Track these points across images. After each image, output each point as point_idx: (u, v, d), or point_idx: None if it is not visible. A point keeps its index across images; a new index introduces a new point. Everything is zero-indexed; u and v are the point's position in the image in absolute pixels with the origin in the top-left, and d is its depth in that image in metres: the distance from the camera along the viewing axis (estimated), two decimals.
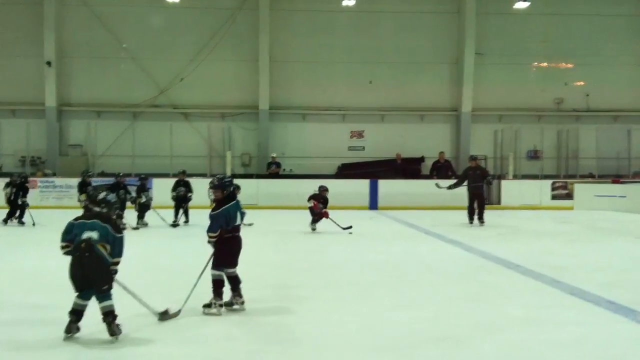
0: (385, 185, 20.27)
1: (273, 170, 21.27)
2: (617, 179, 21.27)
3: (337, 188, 19.97)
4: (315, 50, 23.05)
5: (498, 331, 5.16)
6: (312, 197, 13.06)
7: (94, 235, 4.82)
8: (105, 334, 4.80)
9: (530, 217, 16.96)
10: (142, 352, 4.60)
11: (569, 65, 23.71)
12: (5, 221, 14.04)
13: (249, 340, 4.91)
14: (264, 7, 22.46)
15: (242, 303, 5.80)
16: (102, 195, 5.17)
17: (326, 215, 12.82)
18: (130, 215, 13.48)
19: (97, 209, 5.05)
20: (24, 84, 22.43)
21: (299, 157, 22.71)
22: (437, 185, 16.02)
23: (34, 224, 13.85)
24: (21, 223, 14.12)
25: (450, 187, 15.37)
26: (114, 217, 5.13)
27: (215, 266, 5.75)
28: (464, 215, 14.79)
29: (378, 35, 23.18)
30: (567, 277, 7.52)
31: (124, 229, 12.72)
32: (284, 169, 22.17)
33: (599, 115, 23.55)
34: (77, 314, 4.82)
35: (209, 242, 5.77)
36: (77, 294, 4.86)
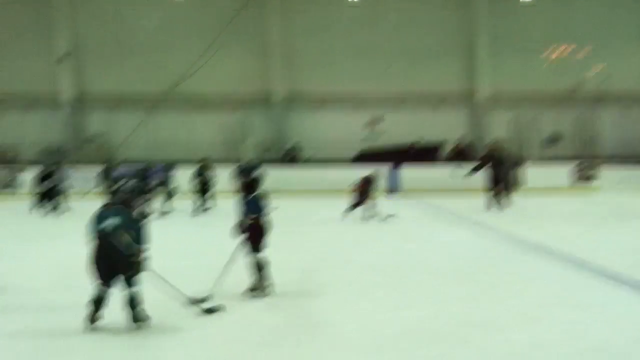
0: (404, 172, 20.15)
1: (291, 158, 21.32)
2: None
3: (355, 175, 20.03)
4: (329, 40, 22.98)
5: (528, 315, 5.12)
6: (365, 178, 12.72)
7: (115, 222, 4.77)
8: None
9: (554, 201, 16.74)
10: (163, 339, 4.60)
11: (585, 50, 23.37)
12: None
13: (269, 323, 4.88)
14: None
15: (269, 286, 5.85)
16: (122, 182, 5.15)
17: (370, 200, 12.36)
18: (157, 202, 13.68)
19: (118, 196, 5.03)
20: (40, 78, 22.55)
21: (315, 146, 22.65)
22: (454, 171, 15.77)
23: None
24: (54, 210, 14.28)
25: (468, 174, 15.03)
26: (139, 204, 5.05)
27: (258, 250, 5.80)
28: (483, 200, 14.64)
29: (391, 24, 23.07)
30: (596, 259, 7.43)
31: (148, 215, 12.93)
32: (302, 157, 22.17)
33: (617, 98, 23.22)
34: (99, 302, 4.76)
35: (242, 225, 5.75)
36: (99, 282, 4.79)
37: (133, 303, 4.77)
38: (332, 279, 7.19)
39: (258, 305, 5.63)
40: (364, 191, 12.39)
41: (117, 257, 4.74)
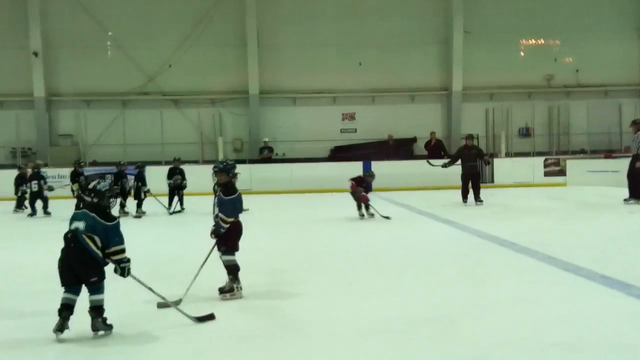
0: (378, 167, 20.21)
1: (265, 155, 21.25)
2: (609, 154, 21.34)
3: (330, 171, 20.18)
4: (304, 33, 22.94)
5: (492, 310, 5.17)
6: (353, 179, 12.38)
7: (80, 225, 4.63)
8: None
9: (523, 195, 16.99)
10: (135, 342, 4.60)
11: (558, 42, 23.69)
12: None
13: (239, 327, 4.90)
14: None
15: (240, 289, 5.80)
16: (92, 184, 4.93)
17: (365, 199, 12.06)
18: (130, 204, 13.87)
19: (88, 198, 4.84)
20: (11, 75, 22.29)
21: (291, 141, 22.69)
22: (429, 163, 16.00)
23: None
24: (47, 213, 14.38)
25: (444, 166, 15.14)
26: (108, 204, 4.87)
27: (227, 252, 5.75)
28: (457, 194, 14.80)
29: (366, 17, 23.07)
30: (560, 253, 7.54)
31: (125, 215, 12.94)
32: (277, 154, 22.13)
33: (589, 90, 23.59)
34: (67, 309, 4.58)
35: (218, 228, 5.70)
36: (64, 288, 4.64)
37: (94, 311, 4.65)
38: (323, 263, 7.31)
39: (249, 293, 5.65)
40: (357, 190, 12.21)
41: (76, 261, 4.60)
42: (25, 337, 4.78)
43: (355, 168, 20.11)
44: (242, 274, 5.83)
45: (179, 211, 14.23)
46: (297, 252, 8.54)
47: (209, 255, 5.81)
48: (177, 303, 5.40)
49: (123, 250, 4.78)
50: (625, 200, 13.47)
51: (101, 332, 4.66)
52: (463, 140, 22.54)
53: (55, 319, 4.60)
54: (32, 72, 21.99)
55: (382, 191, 19.17)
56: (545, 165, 20.54)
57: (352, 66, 23.06)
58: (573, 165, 20.12)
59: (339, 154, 22.31)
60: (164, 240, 10.47)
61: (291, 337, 4.64)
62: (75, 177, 14.40)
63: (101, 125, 22.39)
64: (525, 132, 23.19)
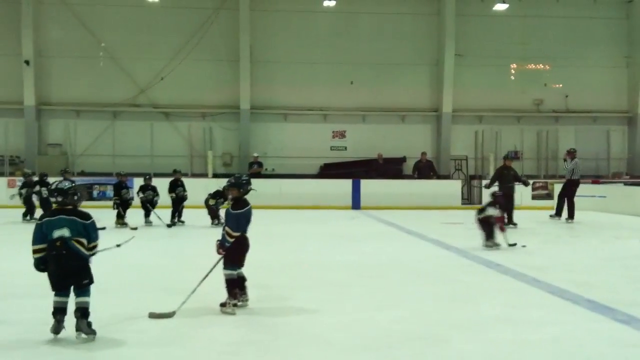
0: (368, 185, 20.31)
1: (255, 170, 21.17)
2: (596, 179, 21.51)
3: (320, 188, 20.20)
4: (296, 50, 23.04)
5: (476, 330, 5.18)
6: (490, 204, 10.34)
7: (65, 232, 4.73)
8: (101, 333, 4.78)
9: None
10: (117, 352, 4.56)
11: (548, 67, 23.94)
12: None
13: (227, 341, 4.88)
14: (244, 6, 22.40)
15: (247, 300, 5.88)
16: (55, 184, 5.03)
17: (501, 221, 10.32)
18: (131, 214, 13.91)
19: (52, 199, 4.95)
20: (1, 83, 22.23)
21: (281, 157, 22.69)
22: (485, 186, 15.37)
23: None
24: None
25: (486, 186, 14.60)
26: (73, 202, 4.92)
27: (228, 266, 5.76)
28: (445, 214, 14.82)
29: (358, 36, 23.22)
30: (546, 276, 7.57)
31: (123, 226, 12.92)
32: (266, 169, 22.12)
33: (578, 116, 23.80)
34: (61, 312, 4.73)
35: (223, 241, 5.71)
36: (55, 292, 4.77)
37: (80, 312, 4.73)
38: (312, 279, 7.37)
39: (223, 318, 5.61)
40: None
41: (69, 266, 4.73)
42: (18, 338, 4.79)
43: (344, 185, 20.26)
44: (221, 290, 5.79)
45: (180, 223, 14.29)
46: (287, 267, 8.52)
47: (211, 270, 5.81)
48: (170, 315, 5.41)
49: (97, 246, 4.94)
50: (551, 215, 15.63)
51: (84, 336, 4.71)
52: (452, 162, 22.88)
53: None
54: (23, 80, 21.89)
55: (370, 209, 19.22)
56: (534, 189, 20.62)
57: (343, 84, 23.17)
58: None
59: (329, 171, 22.33)
60: (169, 251, 10.62)
61: (278, 352, 4.62)
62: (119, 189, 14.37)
63: (91, 136, 22.30)
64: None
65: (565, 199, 15.27)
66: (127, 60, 22.55)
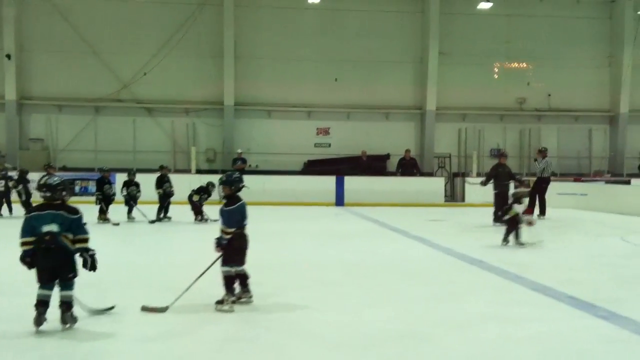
0: (351, 182, 20.33)
1: (238, 167, 21.08)
2: (578, 177, 21.71)
3: (303, 185, 20.19)
4: (281, 47, 22.98)
5: (461, 327, 5.20)
6: (515, 199, 10.39)
7: (54, 228, 4.83)
8: (92, 326, 4.83)
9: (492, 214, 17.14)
10: (104, 347, 4.54)
11: (531, 66, 24.10)
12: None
13: (215, 338, 4.87)
14: (229, 2, 22.30)
15: (251, 297, 5.90)
16: (43, 179, 5.07)
17: (530, 212, 10.64)
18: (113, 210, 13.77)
19: (40, 193, 5.01)
20: None
21: (264, 153, 22.62)
22: (468, 182, 15.84)
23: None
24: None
25: (482, 184, 14.65)
26: (61, 197, 5.00)
27: (225, 263, 5.76)
28: (426, 211, 14.87)
29: (343, 33, 23.21)
30: (529, 273, 7.63)
31: (105, 222, 12.87)
32: (250, 165, 22.05)
33: (560, 115, 23.99)
34: (45, 305, 4.81)
35: (220, 239, 5.72)
36: (41, 285, 4.85)
37: (65, 305, 4.88)
38: (298, 277, 7.38)
39: (220, 316, 5.59)
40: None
41: (57, 260, 4.83)
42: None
43: (328, 182, 20.26)
44: (215, 286, 5.77)
45: (166, 220, 14.21)
46: (276, 265, 8.47)
47: (209, 267, 5.80)
48: (163, 310, 5.44)
49: (88, 240, 5.02)
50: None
51: (68, 325, 4.87)
52: (435, 159, 22.98)
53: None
54: (5, 74, 21.62)
55: (354, 206, 19.23)
56: (515, 186, 20.70)
57: (328, 82, 23.15)
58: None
59: (313, 167, 22.33)
60: (157, 248, 10.45)
61: (268, 349, 4.61)
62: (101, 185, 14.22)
63: (73, 131, 22.09)
64: (497, 153, 23.40)
65: (537, 196, 15.39)
66: (110, 55, 22.35)
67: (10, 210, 15.03)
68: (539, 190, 15.56)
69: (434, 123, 23.31)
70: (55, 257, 4.82)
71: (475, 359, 4.43)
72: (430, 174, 22.41)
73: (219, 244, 5.71)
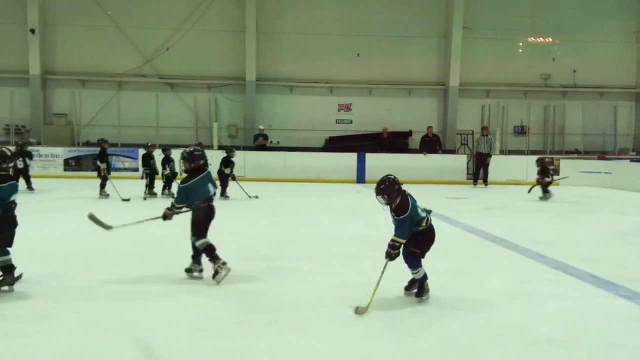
0: (373, 159, 20.26)
1: (260, 142, 21.16)
2: (602, 155, 21.43)
3: (325, 161, 20.20)
4: (303, 21, 22.82)
5: (482, 304, 5.22)
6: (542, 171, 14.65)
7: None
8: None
9: (515, 192, 17.04)
10: (131, 320, 4.62)
11: (557, 41, 23.68)
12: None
13: (234, 311, 4.94)
14: None
15: (201, 271, 6.01)
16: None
17: (544, 183, 14.68)
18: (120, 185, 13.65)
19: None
20: (7, 51, 22.06)
21: (286, 130, 22.62)
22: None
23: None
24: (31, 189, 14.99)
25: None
26: (8, 168, 5.47)
27: (199, 235, 5.90)
28: (450, 189, 14.83)
29: (366, 7, 22.94)
30: (551, 251, 7.61)
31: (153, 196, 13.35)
32: (271, 141, 22.09)
33: (585, 91, 23.59)
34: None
35: (170, 211, 5.93)
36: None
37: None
38: (318, 252, 7.36)
39: (243, 277, 5.68)
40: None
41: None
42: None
43: (349, 159, 20.24)
44: (235, 259, 5.85)
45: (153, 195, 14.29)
46: (296, 240, 8.55)
47: (143, 221, 6.12)
48: (108, 227, 5.97)
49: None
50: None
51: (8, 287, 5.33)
52: (458, 136, 22.80)
53: None
54: (29, 49, 21.78)
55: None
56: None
57: (350, 57, 22.98)
58: (567, 165, 20.15)
59: (334, 144, 22.28)
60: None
61: (289, 324, 4.67)
62: (103, 156, 14.11)
63: (96, 106, 22.25)
64: (520, 130, 23.22)
65: (481, 168, 19.05)
66: (133, 29, 22.39)
67: (30, 186, 15.00)
68: (482, 163, 19.11)
69: (457, 99, 23.07)
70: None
71: (493, 334, 4.45)
72: (452, 152, 22.25)
73: (166, 213, 5.94)
